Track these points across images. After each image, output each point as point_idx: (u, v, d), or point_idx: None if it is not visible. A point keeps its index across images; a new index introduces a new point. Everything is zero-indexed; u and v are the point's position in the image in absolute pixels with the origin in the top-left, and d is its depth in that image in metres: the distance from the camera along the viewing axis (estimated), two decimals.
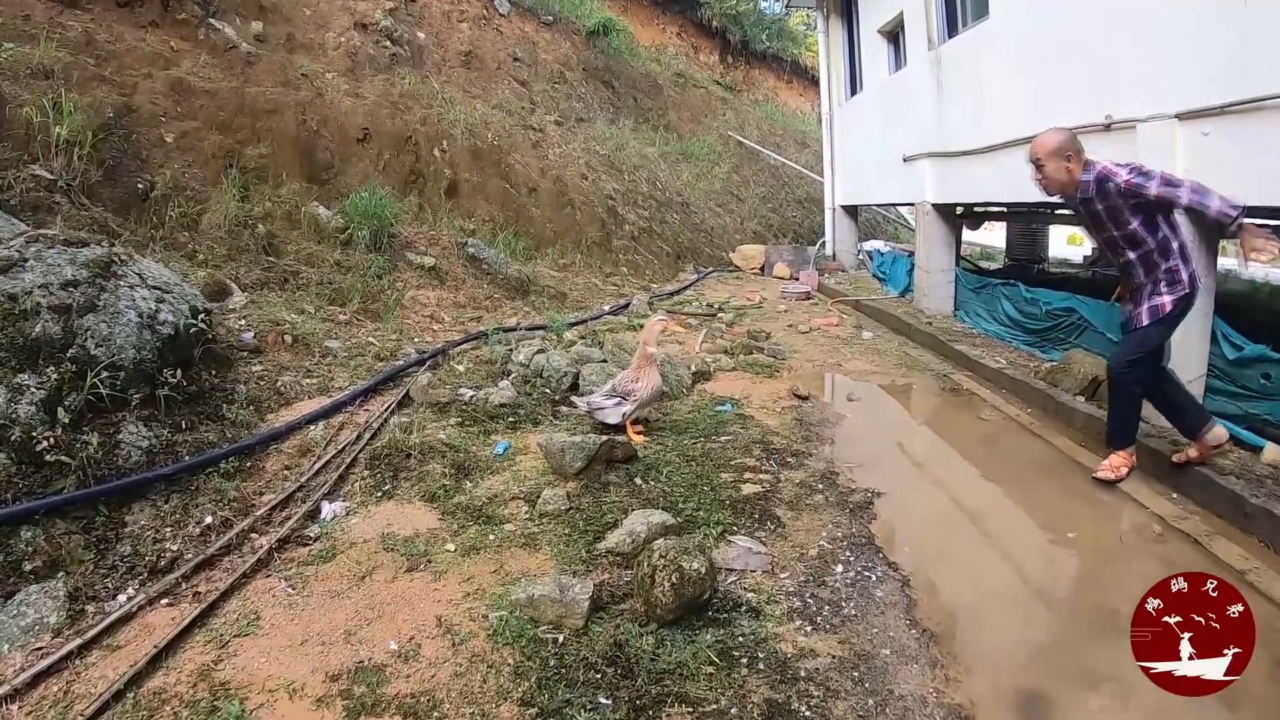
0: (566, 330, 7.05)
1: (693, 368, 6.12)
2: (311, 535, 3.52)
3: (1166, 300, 4.01)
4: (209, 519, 3.54)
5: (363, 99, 9.43)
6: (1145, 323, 4.07)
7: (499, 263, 9.00)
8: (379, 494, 3.91)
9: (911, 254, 12.43)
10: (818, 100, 25.60)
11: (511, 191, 10.63)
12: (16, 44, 6.41)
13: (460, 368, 5.96)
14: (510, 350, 6.18)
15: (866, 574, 3.29)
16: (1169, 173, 3.87)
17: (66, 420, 3.48)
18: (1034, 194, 7.41)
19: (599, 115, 15.20)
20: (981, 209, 10.46)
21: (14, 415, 3.30)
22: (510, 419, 5.03)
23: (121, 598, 3.01)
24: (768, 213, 17.28)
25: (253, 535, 3.52)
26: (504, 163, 10.78)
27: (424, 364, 5.81)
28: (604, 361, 5.92)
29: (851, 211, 14.47)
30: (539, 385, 5.58)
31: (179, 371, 4.17)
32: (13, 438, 3.26)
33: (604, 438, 4.19)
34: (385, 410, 4.87)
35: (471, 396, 5.27)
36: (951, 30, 9.30)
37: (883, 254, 13.17)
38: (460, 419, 4.91)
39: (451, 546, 3.40)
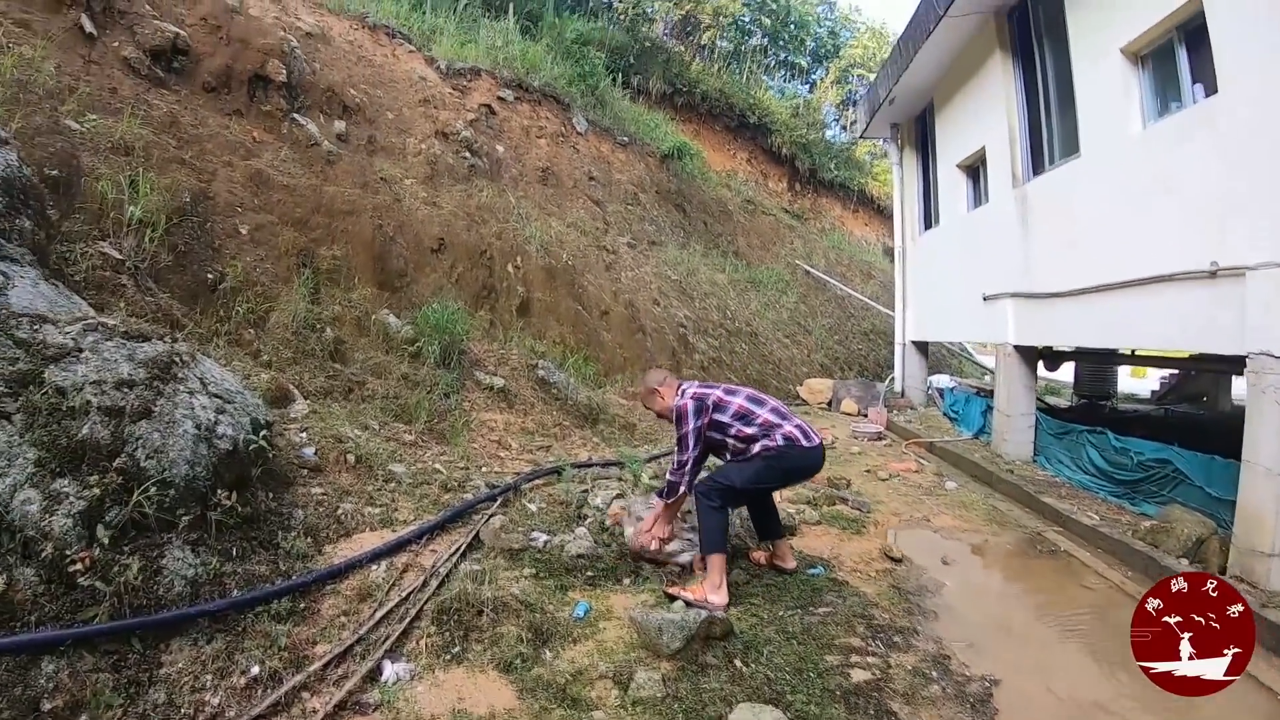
0: (643, 470, 6.65)
1: None
2: (371, 702, 3.13)
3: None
4: (256, 669, 3.16)
5: (439, 208, 9.47)
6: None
7: (569, 388, 8.78)
8: (447, 656, 3.50)
9: (981, 392, 12.25)
10: (883, 231, 26.07)
11: (583, 314, 10.52)
12: (100, 115, 6.42)
13: (532, 507, 5.58)
14: (585, 492, 5.80)
15: None
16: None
17: (106, 539, 3.14)
18: (1129, 338, 7.18)
19: (670, 238, 15.27)
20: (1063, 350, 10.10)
21: (48, 528, 2.96)
22: (589, 573, 4.63)
23: None
24: (834, 345, 17.02)
25: (304, 694, 3.14)
26: (577, 283, 10.71)
27: (495, 500, 5.46)
28: (689, 511, 5.46)
29: (922, 347, 14.19)
30: (619, 534, 5.15)
31: (234, 494, 3.85)
32: (44, 553, 2.91)
33: (704, 614, 3.78)
34: (454, 553, 4.50)
35: (545, 543, 4.90)
36: (1037, 167, 9.14)
37: (954, 392, 12.83)
38: (535, 569, 4.51)
39: None
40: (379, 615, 3.74)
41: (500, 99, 12.77)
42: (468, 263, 9.31)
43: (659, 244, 14.70)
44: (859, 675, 3.65)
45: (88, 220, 5.62)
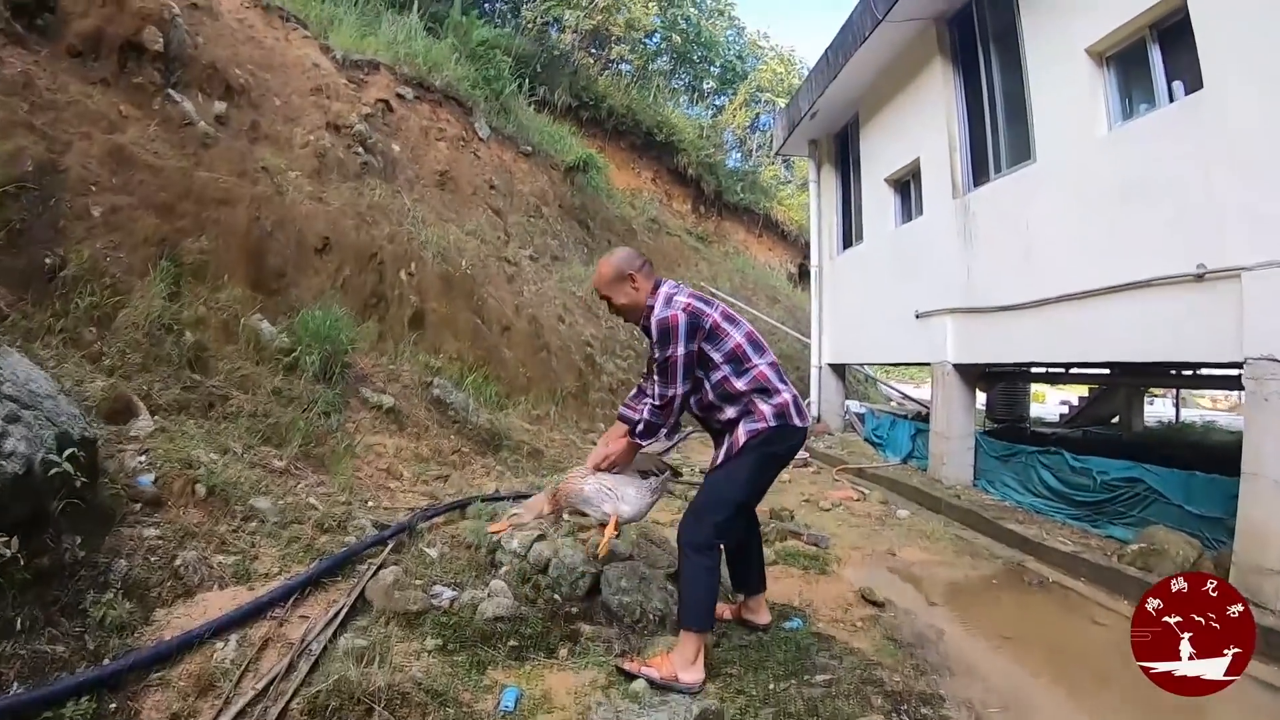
0: None
1: None
2: None
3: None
4: None
5: (326, 205, 8.26)
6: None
7: (468, 410, 7.68)
8: None
9: (904, 416, 11.83)
10: (788, 256, 25.93)
11: (483, 328, 9.42)
12: None
13: (432, 553, 4.39)
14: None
15: None
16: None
17: None
18: (1099, 350, 6.63)
19: (574, 254, 14.40)
20: (997, 369, 9.60)
21: None
22: (511, 642, 3.49)
23: None
24: None
25: None
26: (476, 295, 9.61)
27: (386, 545, 4.30)
28: (629, 558, 4.33)
29: (839, 371, 13.56)
30: (545, 589, 3.98)
31: (19, 539, 2.68)
32: None
33: (692, 705, 2.72)
34: (331, 619, 3.34)
35: (453, 601, 3.74)
36: (980, 177, 8.63)
37: (875, 416, 12.33)
38: (441, 639, 3.36)
39: None
40: None
41: (399, 96, 11.66)
42: (355, 266, 8.11)
43: (562, 259, 13.77)
44: None
45: None
